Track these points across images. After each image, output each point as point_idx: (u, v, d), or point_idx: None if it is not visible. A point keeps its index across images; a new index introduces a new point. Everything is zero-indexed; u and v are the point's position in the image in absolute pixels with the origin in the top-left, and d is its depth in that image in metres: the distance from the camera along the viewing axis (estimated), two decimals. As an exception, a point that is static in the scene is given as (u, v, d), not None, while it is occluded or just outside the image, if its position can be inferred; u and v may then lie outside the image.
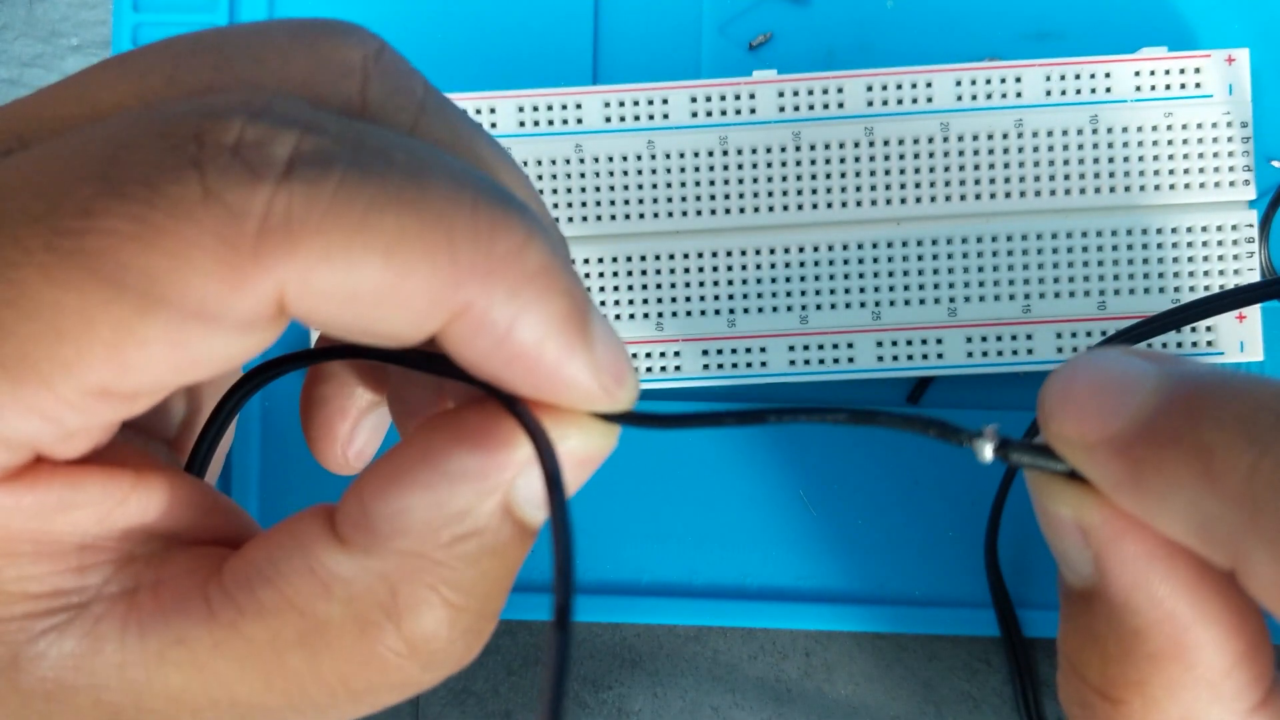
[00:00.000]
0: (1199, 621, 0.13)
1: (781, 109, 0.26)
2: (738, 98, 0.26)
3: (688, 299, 0.26)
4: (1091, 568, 0.13)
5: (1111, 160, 0.26)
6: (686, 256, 0.26)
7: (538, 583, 0.27)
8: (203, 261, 0.11)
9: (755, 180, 0.26)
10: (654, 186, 0.26)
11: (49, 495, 0.12)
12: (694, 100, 0.26)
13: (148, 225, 0.11)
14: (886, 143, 0.26)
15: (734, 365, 0.26)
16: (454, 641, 0.13)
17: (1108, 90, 0.26)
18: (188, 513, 0.14)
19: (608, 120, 0.26)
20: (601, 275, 0.26)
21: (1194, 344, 0.25)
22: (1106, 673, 0.13)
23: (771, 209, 0.26)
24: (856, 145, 0.26)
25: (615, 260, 0.26)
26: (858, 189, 0.26)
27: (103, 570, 0.13)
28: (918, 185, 0.26)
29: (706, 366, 0.26)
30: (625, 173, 0.26)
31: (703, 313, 0.26)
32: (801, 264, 0.26)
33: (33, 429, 0.12)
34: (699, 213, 0.26)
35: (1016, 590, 0.27)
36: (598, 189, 0.26)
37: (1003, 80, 0.26)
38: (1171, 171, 0.26)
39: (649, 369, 0.26)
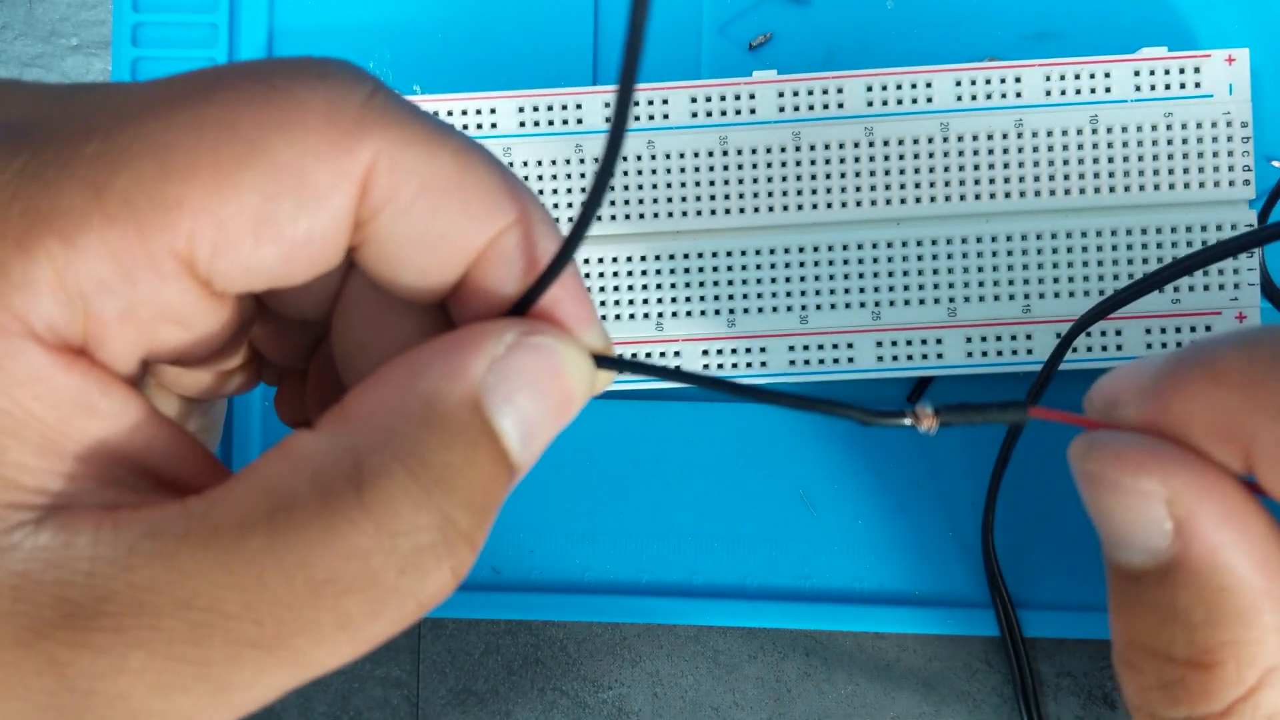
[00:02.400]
0: None
1: (781, 109, 0.26)
2: (738, 98, 0.26)
3: (688, 299, 0.26)
4: (1169, 540, 0.14)
5: (1111, 160, 0.26)
6: (686, 256, 0.26)
7: (538, 583, 0.27)
8: (311, 119, 0.12)
9: (755, 180, 0.26)
10: (654, 186, 0.26)
11: (80, 388, 0.12)
12: (694, 100, 0.26)
13: (269, 86, 0.12)
14: (886, 143, 0.26)
15: (734, 365, 0.26)
16: (419, 529, 0.12)
17: (1108, 90, 0.26)
18: (185, 465, 0.13)
19: (608, 120, 0.26)
20: (602, 275, 0.26)
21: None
22: (1194, 641, 0.14)
23: (771, 209, 0.26)
24: (856, 145, 0.26)
25: (615, 260, 0.26)
26: (858, 189, 0.26)
27: (89, 483, 0.12)
28: (918, 185, 0.26)
29: (707, 366, 0.26)
30: (625, 173, 0.26)
31: (703, 313, 0.26)
32: (801, 264, 0.26)
33: (105, 276, 0.12)
34: (699, 213, 0.26)
35: (1015, 590, 0.27)
36: (598, 189, 0.26)
37: (1003, 80, 0.26)
38: (1171, 171, 0.26)
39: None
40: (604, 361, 0.14)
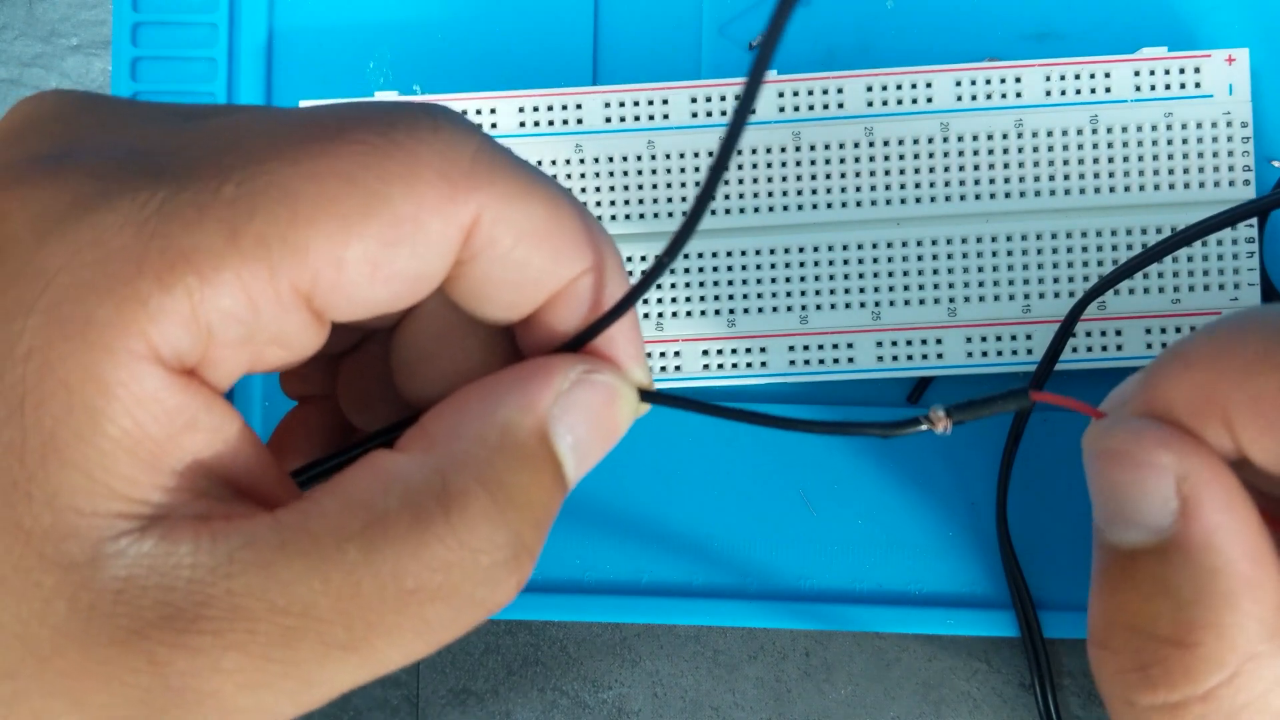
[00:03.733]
0: (1269, 554, 0.14)
1: (781, 109, 0.26)
2: (737, 97, 0.26)
3: (688, 299, 0.26)
4: (1172, 518, 0.15)
5: (1111, 160, 0.26)
6: (687, 256, 0.26)
7: (538, 583, 0.27)
8: (426, 173, 0.13)
9: (755, 180, 0.26)
10: (654, 186, 0.26)
11: (188, 406, 0.13)
12: (694, 100, 0.26)
13: (389, 140, 0.13)
14: (886, 143, 0.26)
15: (734, 365, 0.26)
16: (496, 547, 0.14)
17: (1108, 90, 0.26)
18: (263, 477, 0.14)
19: (608, 120, 0.26)
20: (601, 275, 0.26)
21: (1194, 344, 0.25)
22: (1180, 619, 0.15)
23: (771, 209, 0.26)
24: (856, 145, 0.26)
25: (615, 260, 0.26)
26: (858, 189, 0.26)
27: (185, 495, 0.13)
28: (918, 185, 0.26)
29: (706, 366, 0.26)
30: (625, 173, 0.26)
31: (703, 313, 0.26)
32: (801, 264, 0.26)
33: (234, 309, 0.13)
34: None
35: (1036, 590, 0.27)
36: (598, 189, 0.26)
37: (1003, 80, 0.26)
38: (1171, 171, 0.26)
39: (649, 369, 0.26)
40: (646, 395, 0.16)
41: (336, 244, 0.13)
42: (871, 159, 0.26)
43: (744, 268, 0.26)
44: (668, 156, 0.26)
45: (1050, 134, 0.26)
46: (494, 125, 0.26)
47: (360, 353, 0.18)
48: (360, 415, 0.18)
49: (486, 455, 0.14)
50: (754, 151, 0.26)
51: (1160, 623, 0.15)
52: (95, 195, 0.13)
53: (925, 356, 0.26)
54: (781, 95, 0.26)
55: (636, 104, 0.26)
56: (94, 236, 0.12)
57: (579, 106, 0.26)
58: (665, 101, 0.26)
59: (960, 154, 0.26)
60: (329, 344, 0.17)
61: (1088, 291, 0.24)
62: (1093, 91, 0.26)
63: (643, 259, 0.26)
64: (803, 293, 0.26)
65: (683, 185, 0.26)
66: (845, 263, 0.26)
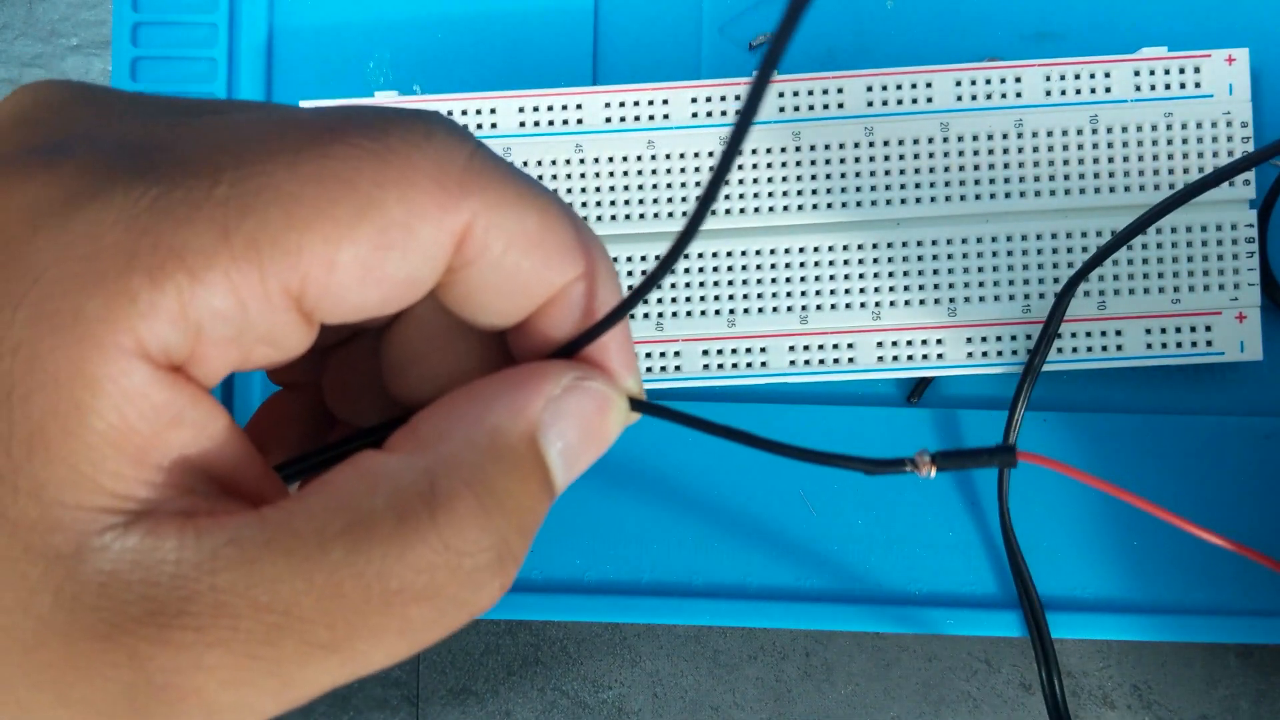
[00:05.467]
0: None
1: (781, 109, 0.26)
2: (738, 98, 0.26)
3: (688, 299, 0.26)
4: None
5: (1111, 160, 0.26)
6: (687, 256, 0.26)
7: (538, 582, 0.27)
8: (420, 180, 0.13)
9: (756, 180, 0.26)
10: (654, 186, 0.26)
11: (174, 402, 0.13)
12: (694, 100, 0.26)
13: (384, 145, 0.13)
14: (886, 143, 0.26)
15: (734, 365, 0.26)
16: (481, 550, 0.14)
17: (1108, 90, 0.26)
18: (249, 474, 0.14)
19: (608, 120, 0.26)
20: (601, 275, 0.26)
21: (1194, 344, 0.26)
22: None
23: (772, 209, 0.26)
24: (856, 145, 0.26)
25: (615, 260, 0.26)
26: (858, 189, 0.26)
27: (171, 490, 0.13)
28: (918, 185, 0.26)
29: (706, 366, 0.26)
30: (625, 173, 0.26)
31: (703, 313, 0.26)
32: (801, 264, 0.26)
33: (224, 308, 0.13)
34: (699, 213, 0.26)
35: (1043, 590, 0.27)
36: (598, 189, 0.26)
37: (1003, 80, 0.26)
38: (1171, 171, 0.26)
39: (649, 369, 0.26)
40: (636, 404, 0.16)
41: (329, 247, 0.13)
42: (871, 159, 0.26)
43: (744, 268, 0.26)
44: (668, 157, 0.26)
45: (1050, 134, 0.26)
46: (494, 125, 0.26)
47: (349, 347, 0.18)
48: (345, 409, 0.18)
49: (475, 459, 0.14)
50: (754, 151, 0.26)
51: None
52: (88, 189, 0.13)
53: (925, 356, 0.26)
54: (781, 95, 0.26)
55: (636, 104, 0.26)
56: (86, 231, 0.12)
57: (579, 106, 0.26)
58: (665, 101, 0.26)
59: (960, 154, 0.26)
60: (318, 340, 0.17)
61: (1085, 263, 0.24)
62: (1093, 91, 0.26)
63: (643, 259, 0.26)
64: (803, 293, 0.26)
65: (683, 185, 0.26)
66: (845, 263, 0.26)
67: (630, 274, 0.26)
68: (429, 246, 0.14)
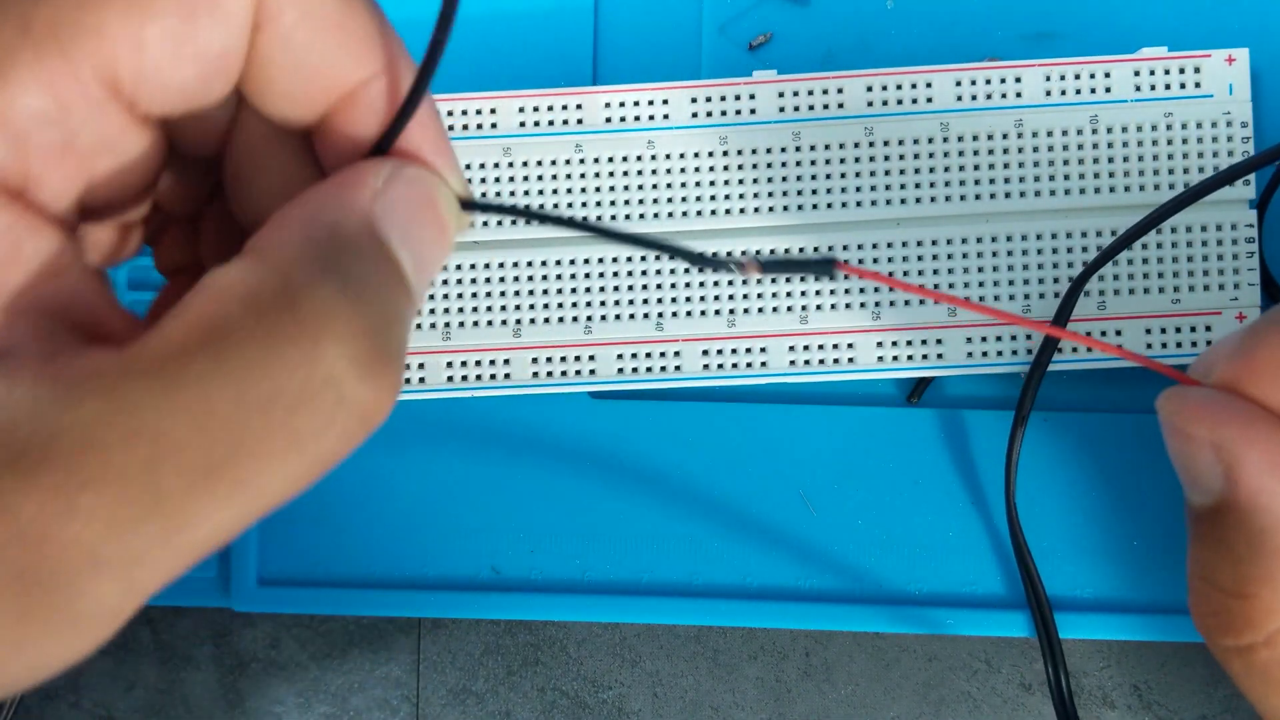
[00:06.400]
0: None
1: (781, 109, 0.26)
2: (738, 98, 0.26)
3: (688, 299, 0.26)
4: (1222, 481, 0.16)
5: (1111, 160, 0.26)
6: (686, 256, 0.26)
7: (538, 583, 0.27)
8: None
9: (755, 180, 0.26)
10: (654, 187, 0.26)
11: (12, 229, 0.13)
12: (694, 100, 0.26)
13: None
14: (886, 143, 0.26)
15: (734, 365, 0.26)
16: (354, 337, 0.13)
17: (1108, 90, 0.26)
18: (111, 319, 0.14)
19: (608, 120, 0.26)
20: (602, 275, 0.26)
21: (1194, 344, 0.26)
22: (1238, 573, 0.16)
23: (772, 209, 0.26)
24: (856, 145, 0.26)
25: (615, 260, 0.26)
26: (858, 189, 0.26)
27: (23, 335, 0.13)
28: (918, 186, 0.26)
29: (706, 366, 0.26)
30: (625, 173, 0.26)
31: (703, 313, 0.26)
32: (801, 264, 0.26)
33: (41, 107, 0.12)
34: (699, 213, 0.26)
35: (1051, 590, 0.27)
36: (598, 189, 0.26)
37: (1003, 80, 0.26)
38: (1171, 171, 0.26)
39: (649, 369, 0.26)
40: (468, 205, 0.16)
41: (132, 23, 0.13)
42: (871, 159, 0.26)
43: (744, 268, 0.26)
44: (668, 156, 0.26)
45: (1050, 134, 0.26)
46: (494, 125, 0.26)
47: (216, 207, 0.18)
48: None
49: (323, 252, 0.13)
50: (754, 151, 0.26)
51: (1222, 576, 0.16)
52: None
53: (925, 356, 0.26)
54: (781, 95, 0.26)
55: (636, 104, 0.26)
56: None
57: (579, 106, 0.26)
58: (665, 101, 0.26)
59: (960, 154, 0.26)
60: (182, 194, 0.17)
61: (1090, 263, 0.24)
62: (1093, 91, 0.26)
63: (642, 259, 0.26)
64: (802, 293, 0.26)
65: (683, 185, 0.26)
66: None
67: (630, 274, 0.26)
68: (233, 9, 0.13)
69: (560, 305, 0.26)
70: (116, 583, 0.12)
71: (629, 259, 0.26)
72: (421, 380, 0.26)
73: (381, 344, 0.13)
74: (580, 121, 0.26)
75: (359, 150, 0.15)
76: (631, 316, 0.26)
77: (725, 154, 0.26)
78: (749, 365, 0.26)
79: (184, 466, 0.12)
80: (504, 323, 0.26)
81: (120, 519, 0.12)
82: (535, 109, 0.26)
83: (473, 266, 0.26)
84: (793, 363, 0.26)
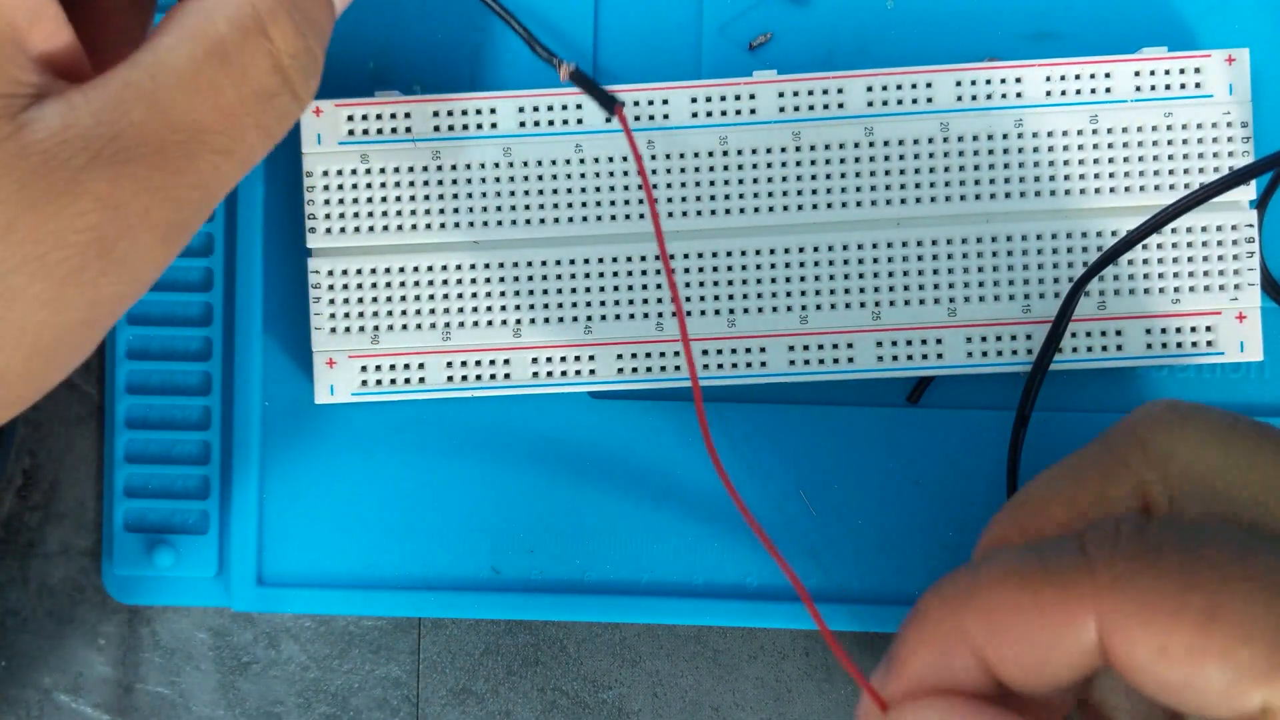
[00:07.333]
0: None
1: (781, 109, 0.26)
2: (738, 98, 0.26)
3: (688, 299, 0.26)
4: None
5: (1111, 160, 0.26)
6: (687, 256, 0.26)
7: (538, 583, 0.27)
8: None
9: (755, 180, 0.26)
10: (654, 187, 0.26)
11: None
12: (694, 100, 0.26)
13: None
14: (886, 143, 0.26)
15: (734, 365, 0.26)
16: (302, 53, 0.17)
17: (1108, 90, 0.26)
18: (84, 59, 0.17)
19: (608, 120, 0.26)
20: (602, 275, 0.26)
21: (1194, 344, 0.26)
22: None
23: (771, 209, 0.26)
24: (856, 145, 0.26)
25: (615, 260, 0.26)
26: (858, 189, 0.26)
27: (48, 75, 0.16)
28: (918, 185, 0.26)
29: (706, 366, 0.26)
30: (625, 173, 0.26)
31: (702, 313, 0.26)
32: (801, 264, 0.26)
33: None
34: (699, 213, 0.26)
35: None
36: (598, 189, 0.26)
37: (1003, 80, 0.26)
38: (1171, 171, 0.26)
39: (649, 369, 0.26)
40: None
41: None
42: (871, 159, 0.26)
43: (744, 268, 0.26)
44: (667, 157, 0.26)
45: (1050, 134, 0.26)
46: (494, 125, 0.26)
47: None
48: None
49: None
50: (754, 151, 0.26)
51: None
52: None
53: (925, 356, 0.26)
54: (781, 95, 0.26)
55: (636, 104, 0.26)
56: None
57: (579, 106, 0.26)
58: (665, 101, 0.26)
59: (960, 154, 0.26)
60: None
61: (1093, 263, 0.24)
62: (1093, 92, 0.26)
63: (643, 259, 0.26)
64: (803, 293, 0.26)
65: (683, 185, 0.26)
66: (845, 263, 0.26)
67: (630, 274, 0.26)
68: None
69: (560, 305, 0.26)
70: (164, 246, 0.16)
71: (628, 259, 0.26)
72: (421, 380, 0.26)
73: (316, 54, 0.18)
74: (580, 121, 0.26)
75: None
76: (631, 316, 0.26)
77: (725, 154, 0.26)
78: (748, 365, 0.26)
79: (213, 147, 0.16)
80: (504, 323, 0.26)
81: (175, 196, 0.16)
82: (535, 109, 0.26)
83: (473, 266, 0.26)
84: (792, 363, 0.26)
